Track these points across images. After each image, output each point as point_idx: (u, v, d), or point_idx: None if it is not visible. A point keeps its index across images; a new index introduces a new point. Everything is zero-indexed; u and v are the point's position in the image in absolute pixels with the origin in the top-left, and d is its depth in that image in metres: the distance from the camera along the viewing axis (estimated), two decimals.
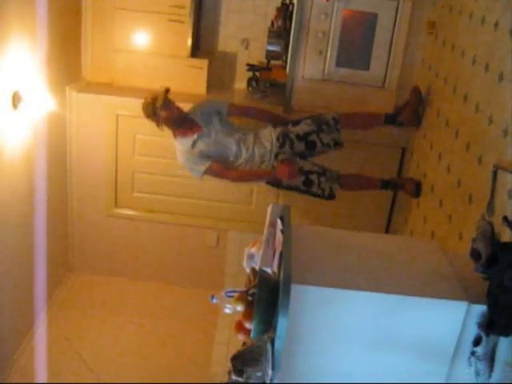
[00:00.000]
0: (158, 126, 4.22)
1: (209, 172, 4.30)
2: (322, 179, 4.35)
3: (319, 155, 4.47)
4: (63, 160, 5.26)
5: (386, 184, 4.62)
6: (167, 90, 4.16)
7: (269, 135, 4.37)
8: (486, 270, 2.30)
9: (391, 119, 4.55)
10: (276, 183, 4.46)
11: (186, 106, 4.44)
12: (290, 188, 4.44)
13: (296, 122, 4.41)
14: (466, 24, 3.84)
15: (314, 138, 4.35)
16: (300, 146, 4.36)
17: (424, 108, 4.51)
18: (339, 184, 4.43)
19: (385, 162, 5.06)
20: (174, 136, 4.35)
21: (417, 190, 4.42)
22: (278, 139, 4.34)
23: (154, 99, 4.12)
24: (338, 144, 4.42)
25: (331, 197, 4.42)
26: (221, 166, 4.31)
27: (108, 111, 5.16)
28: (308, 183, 4.35)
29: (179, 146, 4.35)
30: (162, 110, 4.11)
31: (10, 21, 3.91)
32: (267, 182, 4.51)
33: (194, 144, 4.27)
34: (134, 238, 5.58)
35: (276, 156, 4.33)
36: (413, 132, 4.78)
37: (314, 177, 4.35)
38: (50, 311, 5.08)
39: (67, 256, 5.61)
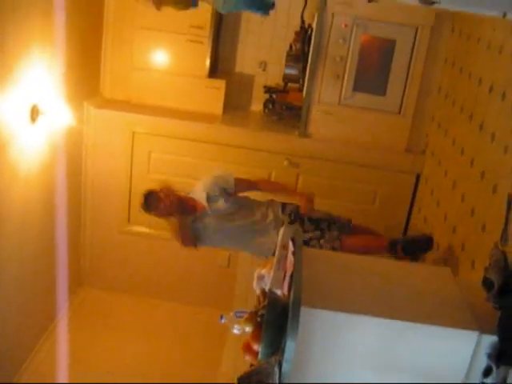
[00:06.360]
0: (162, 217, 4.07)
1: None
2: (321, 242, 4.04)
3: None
4: (78, 175, 5.29)
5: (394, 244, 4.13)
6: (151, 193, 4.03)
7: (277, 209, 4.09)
8: (498, 300, 2.27)
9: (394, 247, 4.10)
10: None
11: (200, 126, 4.40)
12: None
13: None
14: (484, 52, 3.85)
15: (324, 225, 4.07)
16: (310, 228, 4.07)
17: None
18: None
19: (398, 189, 5.06)
20: None
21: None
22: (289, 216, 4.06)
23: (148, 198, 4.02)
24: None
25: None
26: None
27: (124, 128, 5.20)
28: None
29: None
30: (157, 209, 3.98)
31: (32, 34, 3.97)
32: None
33: (194, 220, 4.03)
34: (145, 256, 5.58)
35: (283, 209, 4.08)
36: (426, 158, 4.77)
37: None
38: (59, 322, 5.09)
39: (79, 270, 5.62)
